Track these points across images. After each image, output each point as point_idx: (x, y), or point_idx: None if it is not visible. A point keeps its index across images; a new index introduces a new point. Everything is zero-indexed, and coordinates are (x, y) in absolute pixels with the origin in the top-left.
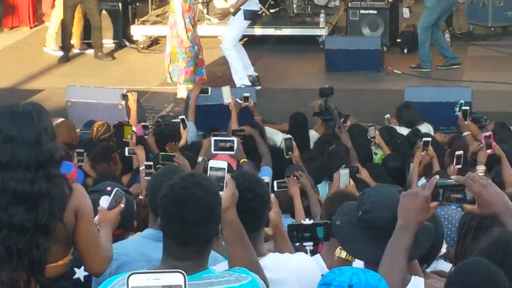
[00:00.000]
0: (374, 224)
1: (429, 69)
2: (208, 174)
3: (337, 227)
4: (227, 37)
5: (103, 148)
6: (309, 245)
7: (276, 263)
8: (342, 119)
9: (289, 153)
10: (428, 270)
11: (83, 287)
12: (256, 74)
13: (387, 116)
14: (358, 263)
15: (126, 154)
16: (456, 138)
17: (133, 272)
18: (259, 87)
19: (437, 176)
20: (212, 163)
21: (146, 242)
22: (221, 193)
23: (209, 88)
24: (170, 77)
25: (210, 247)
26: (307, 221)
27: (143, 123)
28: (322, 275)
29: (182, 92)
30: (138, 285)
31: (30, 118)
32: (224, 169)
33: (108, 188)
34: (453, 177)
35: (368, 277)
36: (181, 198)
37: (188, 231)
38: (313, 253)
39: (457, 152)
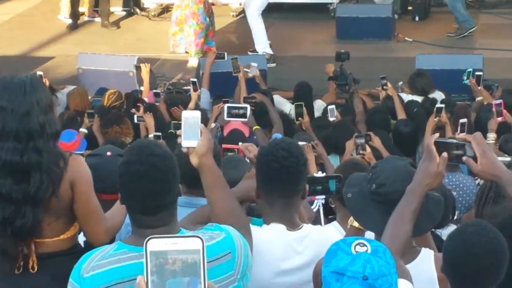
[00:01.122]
0: (388, 197)
1: (474, 28)
2: (182, 125)
3: (349, 200)
4: (253, 5)
5: (115, 112)
6: (320, 198)
7: (311, 236)
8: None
9: (299, 119)
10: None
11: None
12: (273, 52)
13: (400, 83)
14: (372, 233)
15: (135, 121)
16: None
17: (151, 237)
18: (273, 65)
19: (436, 135)
20: (185, 114)
21: None
22: (196, 141)
23: (225, 53)
24: (174, 47)
25: (176, 207)
26: (320, 174)
27: (154, 90)
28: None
29: (193, 61)
30: (156, 249)
31: (23, 89)
32: (198, 117)
33: (108, 153)
34: (460, 135)
35: (381, 264)
36: (142, 173)
37: (156, 202)
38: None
39: (461, 120)
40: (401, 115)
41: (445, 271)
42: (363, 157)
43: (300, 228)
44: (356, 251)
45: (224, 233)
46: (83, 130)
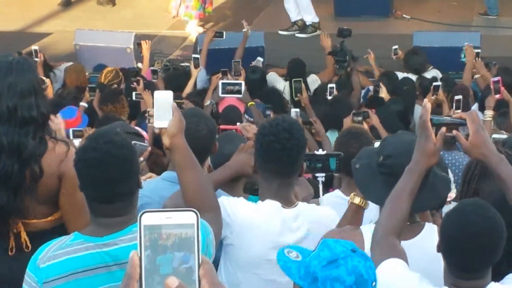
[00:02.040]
0: (394, 170)
1: (495, 16)
2: (153, 105)
3: (357, 170)
4: None
5: (111, 90)
6: (321, 176)
7: (305, 213)
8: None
9: (298, 95)
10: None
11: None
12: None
13: (395, 47)
14: (371, 212)
15: (134, 98)
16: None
17: (145, 211)
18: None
19: (429, 106)
20: (157, 94)
21: (166, 184)
22: (168, 121)
23: (224, 32)
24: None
25: (136, 199)
26: (320, 152)
27: (152, 68)
28: None
29: (190, 28)
30: (150, 224)
31: (4, 70)
32: (170, 98)
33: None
34: (455, 115)
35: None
36: (96, 160)
37: (111, 190)
38: (325, 185)
39: (456, 97)
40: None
41: (441, 250)
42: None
43: (295, 206)
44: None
45: None
46: (83, 104)
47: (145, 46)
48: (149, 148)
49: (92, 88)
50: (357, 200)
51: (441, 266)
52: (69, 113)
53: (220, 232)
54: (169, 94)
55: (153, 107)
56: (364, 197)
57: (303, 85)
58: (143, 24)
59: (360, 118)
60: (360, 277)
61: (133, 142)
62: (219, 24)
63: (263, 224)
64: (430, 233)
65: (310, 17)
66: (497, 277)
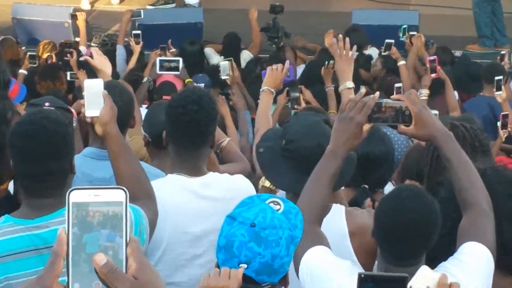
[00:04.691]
0: (297, 153)
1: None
2: (84, 94)
3: (260, 154)
4: None
5: (50, 66)
6: None
7: (216, 182)
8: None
9: (229, 74)
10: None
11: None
12: None
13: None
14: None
15: (68, 78)
16: None
17: (74, 188)
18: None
19: (377, 95)
20: (87, 82)
21: (88, 161)
22: (99, 110)
23: (141, 11)
24: None
25: (69, 183)
26: None
27: (89, 43)
28: None
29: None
30: (78, 201)
31: None
32: (101, 85)
33: (47, 104)
34: (393, 96)
35: (275, 216)
36: (31, 132)
37: (43, 166)
38: None
39: (396, 85)
40: None
41: (376, 236)
42: (297, 111)
43: (205, 175)
44: None
45: None
46: (22, 71)
47: (81, 17)
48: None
49: (33, 56)
50: (267, 183)
51: (347, 248)
52: None
53: (156, 218)
54: (100, 81)
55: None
56: (270, 181)
57: (233, 64)
58: None
59: (297, 94)
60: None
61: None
62: None
63: (169, 199)
64: (337, 214)
65: None
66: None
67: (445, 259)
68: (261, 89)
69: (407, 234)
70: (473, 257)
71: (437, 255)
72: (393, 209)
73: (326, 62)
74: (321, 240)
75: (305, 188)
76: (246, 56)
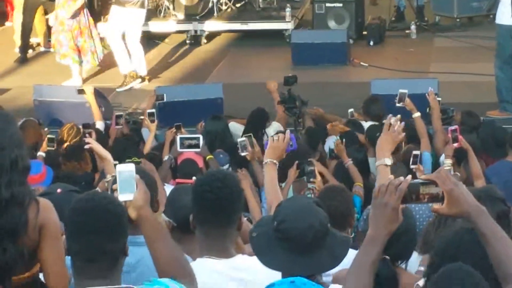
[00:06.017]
0: (289, 234)
1: None
2: (117, 179)
3: (253, 238)
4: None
5: (75, 146)
6: None
7: (245, 264)
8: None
9: (249, 149)
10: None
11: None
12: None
13: (351, 110)
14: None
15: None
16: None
17: None
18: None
19: (409, 178)
20: (119, 167)
21: None
22: (132, 194)
23: (164, 94)
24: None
25: (120, 266)
26: None
27: (116, 113)
28: None
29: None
30: None
31: (2, 122)
32: (132, 170)
33: (59, 190)
34: (423, 176)
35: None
36: (89, 208)
37: (97, 243)
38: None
39: (414, 152)
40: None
41: None
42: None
43: (233, 257)
44: None
45: (164, 287)
46: (41, 153)
47: (89, 91)
48: None
49: (51, 139)
50: None
51: None
52: (34, 169)
53: None
54: (132, 166)
55: (115, 181)
56: (264, 265)
57: (253, 140)
58: (101, 78)
59: (312, 168)
60: None
61: None
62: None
63: (200, 282)
64: None
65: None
66: None
67: None
68: (263, 162)
69: None
70: None
71: None
72: None
73: (338, 138)
74: None
75: (348, 278)
76: (276, 127)
